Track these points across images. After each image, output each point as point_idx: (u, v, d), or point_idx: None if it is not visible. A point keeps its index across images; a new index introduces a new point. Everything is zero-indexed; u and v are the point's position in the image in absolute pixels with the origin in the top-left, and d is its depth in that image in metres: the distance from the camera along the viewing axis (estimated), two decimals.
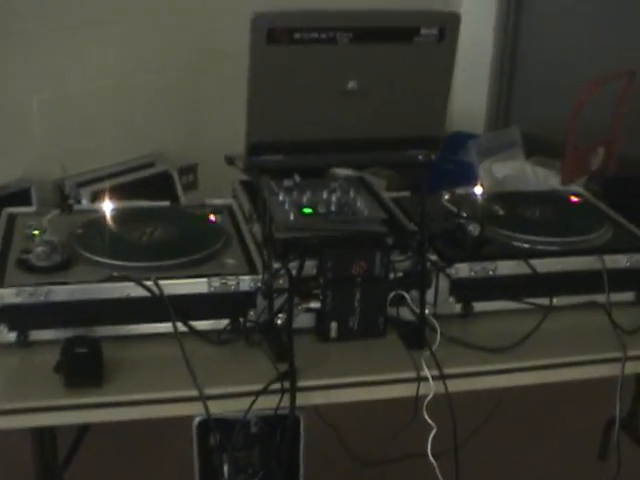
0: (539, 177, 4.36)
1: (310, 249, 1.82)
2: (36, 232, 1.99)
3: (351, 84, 1.70)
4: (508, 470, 3.13)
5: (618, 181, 2.68)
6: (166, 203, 2.23)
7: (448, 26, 1.68)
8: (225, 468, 2.03)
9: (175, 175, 3.87)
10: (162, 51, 3.80)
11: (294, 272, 1.81)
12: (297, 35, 1.61)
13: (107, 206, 2.10)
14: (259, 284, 1.82)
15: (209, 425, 1.92)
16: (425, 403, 1.78)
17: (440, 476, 1.82)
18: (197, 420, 1.85)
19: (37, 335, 1.80)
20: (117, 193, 3.57)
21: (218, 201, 2.23)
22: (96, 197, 3.56)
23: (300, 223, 1.88)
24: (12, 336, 1.79)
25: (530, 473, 3.11)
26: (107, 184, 3.63)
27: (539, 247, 2.05)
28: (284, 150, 1.76)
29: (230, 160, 1.87)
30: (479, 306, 1.98)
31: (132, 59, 3.76)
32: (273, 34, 1.60)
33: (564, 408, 3.29)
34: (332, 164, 1.89)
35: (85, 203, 3.50)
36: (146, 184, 3.75)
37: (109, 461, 2.90)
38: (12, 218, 2.13)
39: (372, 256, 1.82)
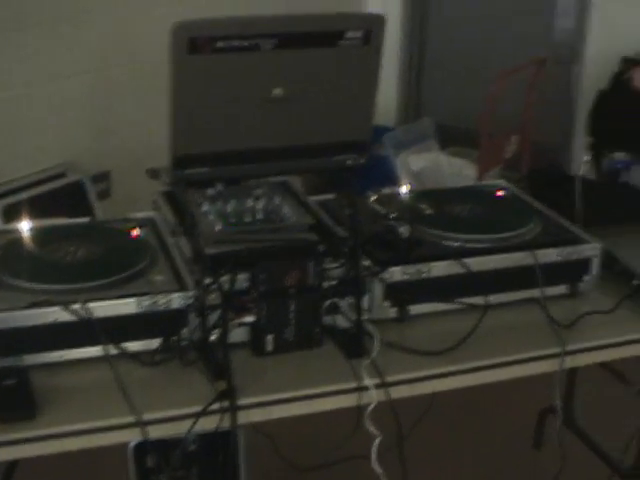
0: (455, 167, 4.38)
1: (241, 262, 1.77)
2: None
3: (276, 91, 1.65)
4: (446, 468, 3.12)
5: (540, 172, 2.68)
6: (85, 219, 2.15)
7: (374, 28, 1.64)
8: None
9: (88, 184, 3.77)
10: (71, 57, 3.69)
11: (226, 287, 1.76)
12: (219, 44, 1.56)
13: (24, 226, 2.01)
14: (191, 301, 1.76)
15: (146, 447, 1.88)
16: (367, 412, 1.75)
17: None
18: (133, 443, 1.79)
19: None
20: (30, 206, 3.50)
21: (140, 214, 2.16)
22: (9, 211, 3.45)
23: (227, 235, 1.83)
24: None
25: (468, 468, 3.11)
26: (19, 197, 3.52)
27: (470, 245, 2.03)
28: (210, 161, 1.70)
29: (154, 173, 1.81)
30: (415, 309, 1.95)
31: (40, 65, 3.65)
32: (194, 43, 1.55)
33: (496, 400, 3.30)
34: (260, 173, 1.83)
35: None
36: (59, 195, 3.65)
37: None
38: None
39: (305, 265, 1.78)
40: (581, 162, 4.08)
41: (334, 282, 1.84)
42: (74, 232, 2.04)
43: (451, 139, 4.73)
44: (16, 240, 1.99)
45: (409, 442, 2.18)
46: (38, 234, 1.99)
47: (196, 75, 1.60)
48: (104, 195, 4.01)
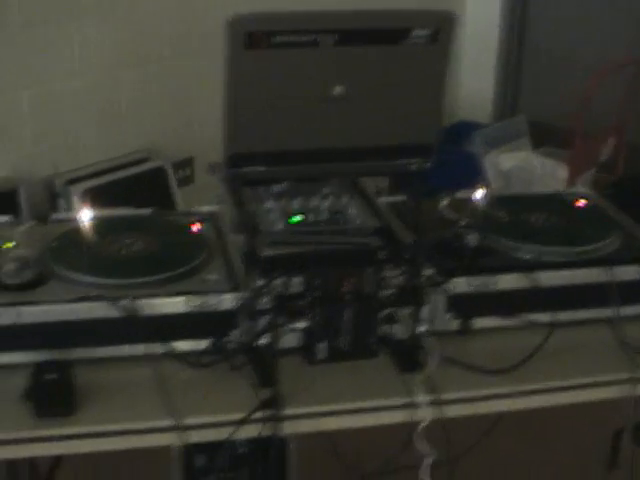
0: (546, 169, 4.23)
1: (296, 265, 1.70)
2: (9, 245, 1.86)
3: (337, 89, 1.58)
4: None
5: (631, 179, 2.54)
6: (148, 210, 2.10)
7: (442, 27, 1.55)
8: None
9: (170, 170, 3.74)
10: (151, 43, 3.67)
11: (279, 290, 1.69)
12: (277, 38, 1.49)
13: (85, 215, 1.97)
14: (241, 303, 1.70)
15: (193, 448, 1.83)
16: (419, 430, 1.66)
17: None
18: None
19: (6, 358, 1.69)
20: (109, 190, 3.49)
21: (205, 208, 2.10)
22: (87, 195, 3.44)
23: (286, 235, 1.75)
24: None
25: None
26: (99, 181, 3.51)
27: (543, 258, 1.92)
28: (266, 161, 1.64)
29: (212, 169, 1.75)
30: (479, 322, 1.85)
31: (120, 52, 3.63)
32: (251, 38, 1.48)
33: (568, 418, 3.15)
34: (319, 175, 1.76)
35: (75, 202, 3.38)
36: (140, 180, 3.63)
37: None
38: None
39: (362, 272, 1.70)
40: None
41: (393, 290, 1.75)
42: (134, 224, 2.00)
43: (546, 138, 4.58)
44: (74, 230, 1.95)
45: (471, 459, 2.11)
46: (97, 225, 1.95)
47: (253, 71, 1.53)
48: (187, 181, 3.99)
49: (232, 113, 1.57)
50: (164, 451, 1.75)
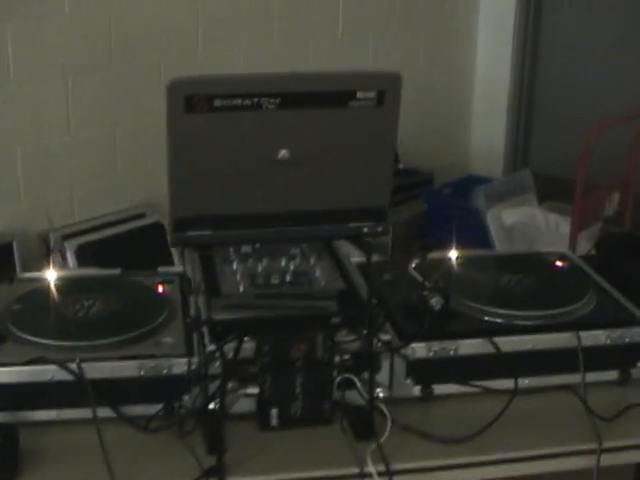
0: (550, 224, 4.18)
1: (248, 330, 1.67)
2: None
3: (282, 153, 1.56)
4: None
5: (615, 238, 2.49)
6: (116, 271, 2.08)
7: (388, 88, 1.53)
8: None
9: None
10: (147, 98, 3.67)
11: (231, 355, 1.66)
12: (217, 102, 1.47)
13: (50, 275, 1.96)
14: (192, 368, 1.67)
15: None
16: None
17: None
18: None
19: None
20: (105, 246, 3.48)
21: (174, 268, 2.09)
22: (82, 250, 3.44)
23: (246, 298, 1.72)
24: None
25: None
26: (94, 237, 3.51)
27: (512, 322, 1.88)
28: (213, 225, 1.61)
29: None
30: (441, 389, 1.81)
31: (117, 107, 3.64)
32: (191, 102, 1.47)
33: None
34: (267, 239, 1.73)
35: (70, 257, 3.38)
36: (137, 236, 3.62)
37: None
38: None
39: (313, 338, 1.67)
40: None
41: (347, 357, 1.71)
42: (99, 284, 1.99)
43: (554, 192, 4.53)
44: (37, 291, 1.94)
45: None
46: (61, 285, 1.94)
47: (194, 134, 1.52)
48: None
49: (175, 177, 1.55)
50: None
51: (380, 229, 1.68)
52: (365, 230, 1.69)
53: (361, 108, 1.54)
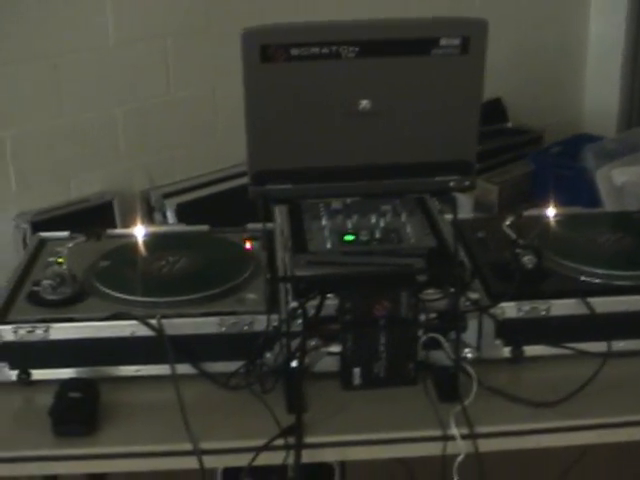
0: None
1: (330, 287, 1.63)
2: (60, 260, 1.86)
3: (363, 104, 1.50)
4: None
5: None
6: (204, 227, 2.06)
7: (473, 35, 1.45)
8: None
9: None
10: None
11: (313, 312, 1.63)
12: (294, 51, 1.42)
13: (138, 232, 1.95)
14: (273, 325, 1.64)
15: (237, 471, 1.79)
16: (455, 465, 1.56)
17: None
18: (222, 467, 1.71)
19: (39, 374, 1.68)
20: (205, 205, 3.48)
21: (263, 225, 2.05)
22: (182, 209, 3.45)
23: (331, 255, 1.68)
24: (13, 374, 1.68)
25: None
26: (194, 195, 3.52)
27: (608, 282, 1.79)
28: (293, 178, 1.57)
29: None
30: (532, 350, 1.74)
31: (216, 67, 3.62)
32: (267, 51, 1.42)
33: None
34: (349, 193, 1.68)
35: (170, 215, 3.40)
36: (236, 195, 3.60)
37: None
38: (42, 243, 2.02)
39: (397, 296, 1.61)
40: None
41: (433, 315, 1.66)
42: (185, 241, 1.98)
43: None
44: (123, 247, 1.94)
45: None
46: (148, 242, 1.93)
47: (271, 85, 1.47)
48: None
49: (253, 129, 1.52)
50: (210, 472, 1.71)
51: (467, 183, 1.61)
52: (451, 184, 1.62)
53: (445, 56, 1.47)
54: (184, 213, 3.41)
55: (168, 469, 1.57)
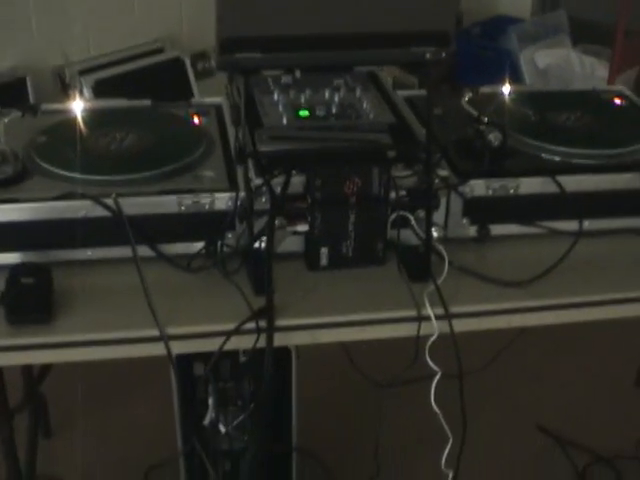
0: (586, 67, 4.01)
1: (297, 163, 1.55)
2: None
3: None
4: (536, 397, 2.88)
5: None
6: (147, 102, 1.94)
7: None
8: (210, 401, 1.83)
9: (187, 61, 3.57)
10: None
11: (278, 190, 1.55)
12: None
13: (77, 106, 1.83)
14: (238, 203, 1.56)
15: (192, 356, 1.73)
16: (428, 345, 1.53)
17: (446, 426, 1.59)
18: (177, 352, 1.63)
19: None
20: (123, 82, 3.33)
21: (208, 100, 1.95)
22: (100, 86, 3.29)
23: (291, 130, 1.59)
24: None
25: (558, 402, 2.85)
26: (112, 72, 3.35)
27: (572, 161, 1.76)
28: (263, 47, 1.46)
29: (209, 56, 1.59)
30: (498, 229, 1.70)
31: None
32: None
33: (597, 333, 3.00)
34: (321, 63, 1.58)
35: (87, 93, 3.24)
36: (155, 72, 3.46)
37: (81, 399, 2.66)
38: None
39: (368, 172, 1.55)
40: None
41: (403, 193, 1.59)
42: (129, 116, 1.86)
43: (586, 35, 4.33)
44: (63, 123, 1.81)
45: (487, 374, 1.98)
46: (89, 117, 1.81)
47: None
48: (207, 74, 3.80)
49: None
50: (164, 359, 1.64)
51: (444, 55, 1.53)
52: (428, 55, 1.54)
53: None
54: (101, 91, 3.25)
55: (132, 357, 1.48)
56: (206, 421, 1.78)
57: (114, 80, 3.33)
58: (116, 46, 3.45)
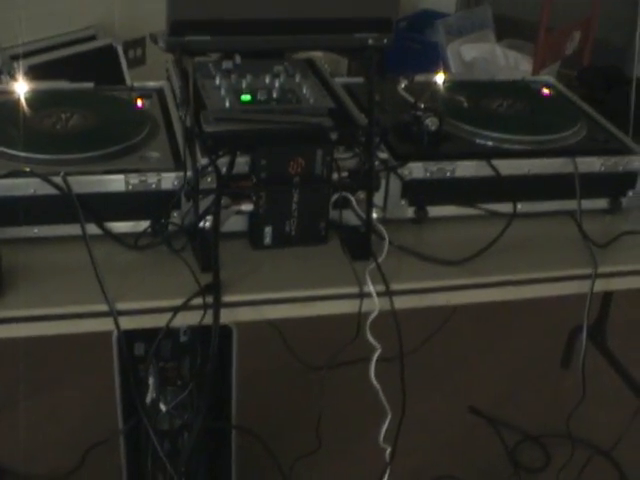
0: (510, 61, 4.11)
1: (242, 144, 1.59)
2: None
3: None
4: (469, 378, 2.97)
5: (595, 71, 2.44)
6: (90, 85, 1.96)
7: None
8: (151, 380, 1.86)
9: (120, 49, 3.57)
10: None
11: (224, 170, 1.59)
12: None
13: (20, 87, 1.84)
14: (184, 183, 1.59)
15: (133, 335, 1.75)
16: (369, 322, 1.58)
17: (385, 401, 1.64)
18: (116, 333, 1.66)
19: None
20: (55, 68, 3.32)
21: (151, 83, 1.98)
22: (31, 72, 3.27)
23: (235, 112, 1.63)
24: None
25: (489, 383, 2.95)
26: (44, 58, 3.34)
27: (505, 146, 1.82)
28: (212, 29, 1.50)
29: (154, 38, 1.62)
30: (435, 211, 1.76)
31: None
32: None
33: (527, 313, 3.12)
34: (267, 47, 1.63)
35: (20, 79, 3.21)
36: (88, 59, 3.46)
37: (21, 379, 2.67)
38: None
39: (312, 153, 1.59)
40: None
41: (345, 174, 1.64)
42: (73, 98, 1.87)
43: (510, 31, 4.44)
44: (6, 103, 1.82)
45: (422, 355, 2.04)
46: (33, 98, 1.82)
47: None
48: (138, 62, 3.81)
49: None
50: (105, 338, 1.67)
51: (386, 41, 1.59)
52: (370, 42, 1.59)
53: None
54: (34, 76, 3.22)
55: (80, 332, 1.50)
56: (147, 400, 1.82)
57: (46, 66, 3.31)
58: (49, 33, 3.43)
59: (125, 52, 3.63)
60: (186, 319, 1.52)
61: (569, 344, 2.91)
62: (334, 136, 1.64)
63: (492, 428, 2.68)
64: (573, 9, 4.13)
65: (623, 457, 2.56)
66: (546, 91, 2.11)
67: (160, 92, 1.93)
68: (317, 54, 1.93)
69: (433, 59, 4.04)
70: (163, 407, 1.93)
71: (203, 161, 1.58)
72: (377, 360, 1.61)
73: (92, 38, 3.54)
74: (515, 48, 4.22)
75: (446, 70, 4.00)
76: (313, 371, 2.11)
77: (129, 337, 1.84)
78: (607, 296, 2.75)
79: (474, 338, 3.10)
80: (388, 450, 1.72)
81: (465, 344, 3.05)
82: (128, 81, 3.48)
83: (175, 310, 1.49)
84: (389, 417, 1.68)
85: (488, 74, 3.93)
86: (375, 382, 1.61)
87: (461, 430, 2.72)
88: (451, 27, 4.24)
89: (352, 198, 1.66)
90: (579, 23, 4.07)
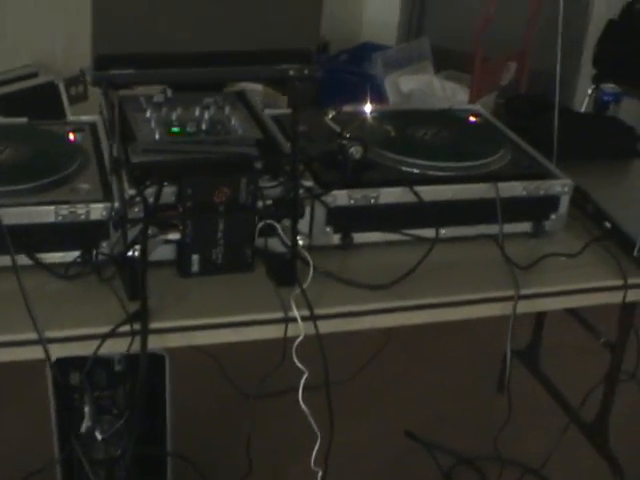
0: (447, 92, 4.19)
1: (169, 174, 1.63)
2: None
3: None
4: (404, 402, 3.01)
5: (520, 99, 2.52)
6: (23, 120, 2.00)
7: None
8: (86, 409, 1.88)
9: (61, 86, 3.59)
10: None
11: (151, 200, 1.62)
12: None
13: None
14: (112, 213, 1.63)
15: (68, 364, 1.77)
16: (294, 346, 1.62)
17: (314, 424, 1.68)
18: (53, 359, 1.67)
19: None
20: None
21: (84, 117, 2.01)
22: None
23: (162, 144, 1.67)
24: None
25: (423, 406, 2.99)
26: None
27: (430, 172, 1.88)
28: (137, 63, 1.55)
29: (83, 73, 1.66)
30: (360, 237, 1.81)
31: None
32: None
33: (460, 336, 3.16)
34: (190, 79, 1.67)
35: None
36: (29, 96, 3.48)
37: None
38: None
39: (237, 182, 1.64)
40: (586, 95, 3.89)
41: (270, 202, 1.69)
42: (6, 132, 1.90)
43: (449, 62, 4.53)
44: None
45: (356, 379, 2.08)
46: None
47: None
48: (81, 98, 3.84)
49: (99, 11, 1.47)
50: (41, 367, 1.68)
51: (306, 72, 1.64)
52: (291, 73, 1.64)
53: None
54: None
55: (12, 360, 1.53)
56: (82, 429, 1.84)
57: None
58: None
59: (67, 89, 3.65)
60: (115, 346, 1.55)
61: (504, 367, 2.96)
62: (259, 165, 1.69)
63: (427, 452, 2.72)
64: (510, 40, 4.22)
65: (553, 475, 2.61)
66: (472, 119, 2.17)
67: (93, 126, 1.97)
68: (257, 86, 1.99)
69: (372, 92, 4.10)
70: (99, 436, 1.94)
71: (131, 191, 1.62)
72: (311, 385, 1.64)
73: (34, 75, 3.56)
74: (452, 79, 4.31)
75: (383, 102, 4.10)
76: (245, 397, 2.13)
77: (64, 366, 1.86)
78: (540, 319, 2.81)
79: (408, 363, 3.14)
80: (320, 473, 1.75)
81: (399, 369, 3.09)
82: (69, 117, 3.50)
83: (103, 337, 1.52)
84: (318, 440, 1.71)
85: (425, 105, 4.02)
86: (303, 406, 1.65)
87: (396, 454, 2.75)
88: (390, 59, 4.32)
89: (277, 225, 1.70)
90: (514, 54, 4.17)
